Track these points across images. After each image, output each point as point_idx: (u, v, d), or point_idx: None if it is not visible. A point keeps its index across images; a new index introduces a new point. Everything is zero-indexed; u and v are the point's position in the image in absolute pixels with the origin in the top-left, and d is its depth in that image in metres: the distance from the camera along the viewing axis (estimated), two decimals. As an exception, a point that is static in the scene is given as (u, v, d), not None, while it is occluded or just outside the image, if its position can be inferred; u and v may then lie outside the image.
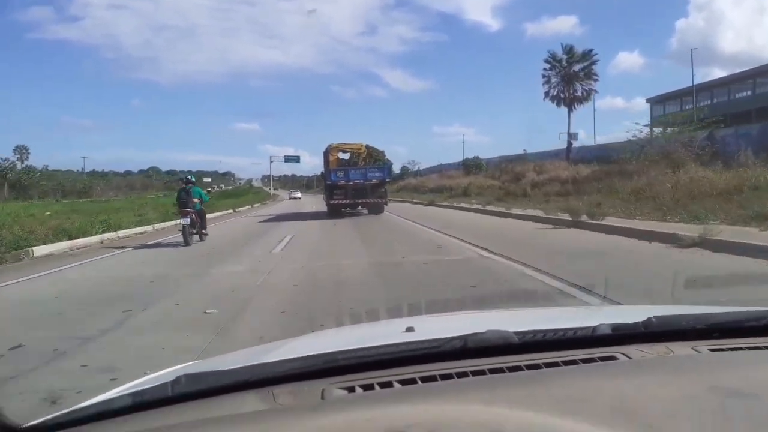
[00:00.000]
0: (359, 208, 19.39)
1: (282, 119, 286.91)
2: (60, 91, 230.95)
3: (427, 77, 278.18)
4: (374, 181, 18.46)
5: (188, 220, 10.42)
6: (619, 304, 3.73)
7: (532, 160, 33.19)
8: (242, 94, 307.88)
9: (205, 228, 11.37)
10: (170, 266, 7.87)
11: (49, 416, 0.80)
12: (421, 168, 54.64)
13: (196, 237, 10.91)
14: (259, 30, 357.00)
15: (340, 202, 18.51)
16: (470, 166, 43.86)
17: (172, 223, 14.61)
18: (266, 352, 1.18)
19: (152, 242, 11.78)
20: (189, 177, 11.64)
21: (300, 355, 1.01)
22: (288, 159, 67.16)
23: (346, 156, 20.49)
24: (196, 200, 10.84)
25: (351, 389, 0.88)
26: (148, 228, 15.22)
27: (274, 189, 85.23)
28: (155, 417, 0.81)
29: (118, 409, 0.84)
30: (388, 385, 0.89)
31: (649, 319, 1.08)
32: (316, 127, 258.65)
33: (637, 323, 1.08)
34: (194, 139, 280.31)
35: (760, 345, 1.06)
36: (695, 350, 1.04)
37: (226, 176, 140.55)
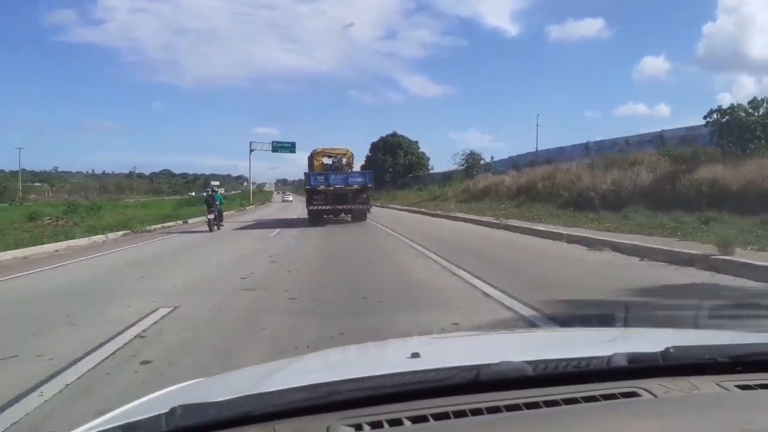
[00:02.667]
0: (341, 215, 18.86)
1: (300, 123, 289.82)
2: (81, 94, 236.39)
3: (445, 82, 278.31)
4: (356, 186, 17.78)
5: (213, 215, 16.67)
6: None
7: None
8: (261, 98, 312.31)
9: (222, 221, 17.68)
10: (208, 239, 14.41)
11: None
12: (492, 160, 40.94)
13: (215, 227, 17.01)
14: (281, 34, 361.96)
15: (319, 208, 17.79)
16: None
17: (200, 219, 20.70)
18: (268, 377, 1.13)
19: (192, 230, 17.66)
20: (214, 187, 20.67)
21: (303, 384, 0.96)
22: (277, 147, 54.77)
23: (331, 161, 20.36)
24: (219, 204, 17.48)
25: (358, 426, 0.83)
26: (179, 222, 22.04)
27: (284, 193, 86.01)
28: None
29: None
30: (397, 422, 0.84)
31: (667, 349, 1.04)
32: (333, 131, 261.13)
33: (654, 354, 1.04)
34: (211, 143, 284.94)
35: None
36: (722, 387, 0.99)
37: (239, 180, 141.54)
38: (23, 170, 76.89)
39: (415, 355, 1.12)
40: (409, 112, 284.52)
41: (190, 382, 1.36)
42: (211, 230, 16.28)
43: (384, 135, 61.12)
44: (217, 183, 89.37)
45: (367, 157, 58.02)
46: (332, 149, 20.50)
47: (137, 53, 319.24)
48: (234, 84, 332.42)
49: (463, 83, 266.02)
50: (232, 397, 0.90)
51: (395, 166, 57.87)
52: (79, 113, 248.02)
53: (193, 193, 71.09)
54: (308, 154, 20.70)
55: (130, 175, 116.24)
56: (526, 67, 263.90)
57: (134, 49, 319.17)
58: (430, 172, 56.40)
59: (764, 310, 4.66)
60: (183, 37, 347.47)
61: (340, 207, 18.04)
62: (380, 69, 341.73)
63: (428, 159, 60.89)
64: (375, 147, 60.55)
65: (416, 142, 60.66)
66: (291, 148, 57.66)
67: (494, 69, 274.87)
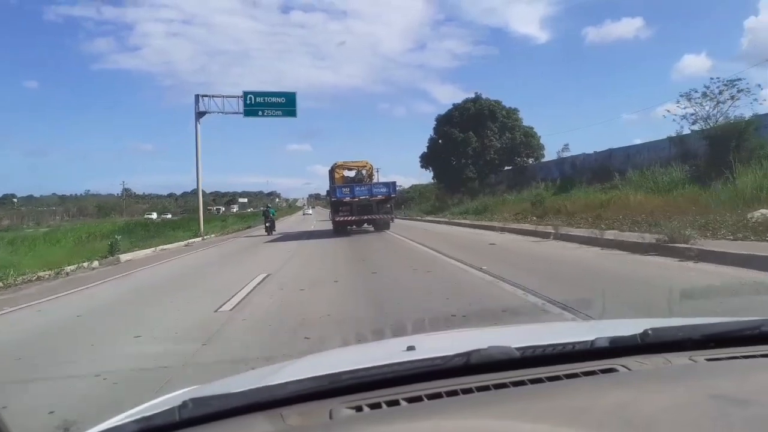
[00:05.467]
0: (365, 225, 19.32)
1: (332, 139, 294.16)
2: (121, 118, 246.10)
3: (475, 91, 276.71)
4: (380, 197, 18.32)
5: (269, 223, 22.99)
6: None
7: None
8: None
9: (274, 227, 23.35)
10: (265, 240, 18.95)
11: None
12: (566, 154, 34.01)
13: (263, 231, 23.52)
14: (311, 52, 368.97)
15: (345, 219, 18.32)
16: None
17: (257, 227, 28.80)
18: (271, 374, 1.18)
19: (252, 235, 24.13)
20: (269, 205, 29.24)
21: (305, 376, 1.02)
22: (257, 105, 21.32)
23: (352, 173, 20.90)
24: (272, 216, 24.11)
25: (358, 408, 0.89)
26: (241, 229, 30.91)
27: (311, 207, 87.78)
28: None
29: None
30: (394, 403, 0.90)
31: (646, 331, 1.10)
32: (366, 144, 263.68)
33: (634, 335, 1.10)
34: (246, 162, 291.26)
35: (755, 353, 1.08)
36: (692, 360, 1.06)
37: (271, 196, 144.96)
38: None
39: (411, 348, 1.20)
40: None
41: (202, 385, 1.46)
42: (268, 234, 21.99)
43: (459, 102, 37.83)
44: (246, 200, 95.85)
45: (430, 141, 38.75)
46: (352, 162, 21.05)
47: (173, 77, 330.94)
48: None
49: (494, 91, 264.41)
50: (239, 390, 0.97)
51: (484, 149, 34.89)
52: (117, 137, 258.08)
53: (154, 215, 71.10)
54: (329, 169, 21.26)
55: (120, 195, 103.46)
56: (559, 72, 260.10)
57: (170, 73, 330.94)
58: (543, 161, 34.66)
59: None
60: (216, 58, 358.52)
61: (365, 217, 18.63)
62: (410, 81, 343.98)
63: (539, 138, 36.28)
64: (444, 122, 37.17)
65: (515, 111, 36.40)
66: (286, 105, 26.01)
67: (526, 76, 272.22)
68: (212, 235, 24.59)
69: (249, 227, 32.49)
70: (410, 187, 54.85)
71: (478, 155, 35.38)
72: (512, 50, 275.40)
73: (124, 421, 0.94)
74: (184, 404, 0.88)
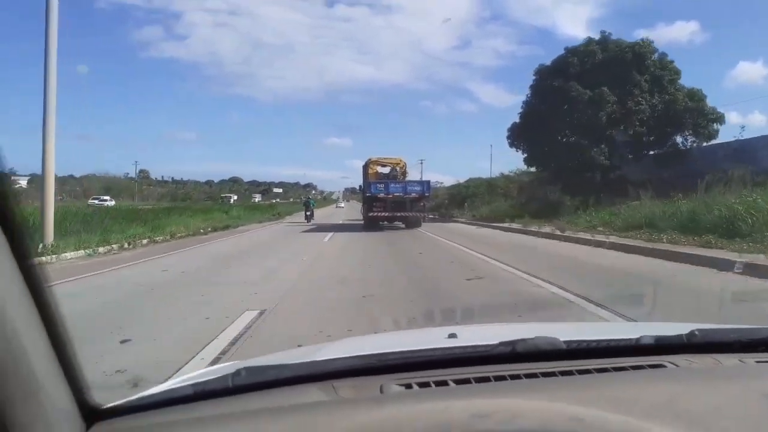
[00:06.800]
0: (396, 222, 19.48)
1: (372, 134, 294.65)
2: (166, 106, 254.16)
3: (517, 91, 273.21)
4: (414, 195, 18.67)
5: (309, 212, 26.60)
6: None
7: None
8: (334, 110, 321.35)
9: (313, 216, 26.59)
10: (305, 226, 21.86)
11: (124, 400, 0.86)
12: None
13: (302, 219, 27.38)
14: (355, 46, 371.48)
15: (378, 214, 18.63)
16: None
17: (298, 214, 33.30)
18: (317, 351, 1.21)
19: (293, 221, 27.57)
20: (309, 197, 37.93)
21: (354, 354, 1.06)
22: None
23: (386, 170, 21.33)
24: (312, 206, 27.99)
25: (408, 386, 0.90)
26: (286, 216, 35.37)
27: (346, 200, 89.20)
28: (216, 406, 0.84)
29: (182, 397, 0.88)
30: (443, 384, 0.91)
31: (692, 331, 1.10)
32: (405, 141, 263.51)
33: (680, 335, 1.10)
34: (283, 153, 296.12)
35: None
36: (742, 361, 1.06)
37: (307, 188, 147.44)
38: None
39: (452, 335, 1.21)
40: (480, 121, 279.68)
41: (254, 358, 1.50)
42: (308, 221, 25.42)
43: (574, 44, 22.38)
44: (281, 191, 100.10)
45: (525, 106, 23.71)
46: (385, 159, 21.44)
47: (217, 67, 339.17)
48: (307, 96, 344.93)
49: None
50: (291, 362, 1.02)
51: (626, 117, 19.88)
52: (161, 125, 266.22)
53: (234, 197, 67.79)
54: (363, 164, 21.79)
55: (133, 178, 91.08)
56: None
57: (214, 63, 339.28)
58: (713, 143, 19.90)
59: None
60: (260, 50, 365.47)
61: (398, 214, 18.74)
62: (453, 79, 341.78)
63: (705, 99, 20.27)
64: (550, 74, 22.26)
65: (671, 62, 21.07)
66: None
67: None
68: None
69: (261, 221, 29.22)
70: (467, 181, 39.31)
71: (613, 124, 20.08)
72: (558, 51, 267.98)
73: (180, 384, 0.97)
74: (237, 372, 0.91)
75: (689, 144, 20.66)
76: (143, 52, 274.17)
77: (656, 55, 21.21)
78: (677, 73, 20.96)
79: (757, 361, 1.06)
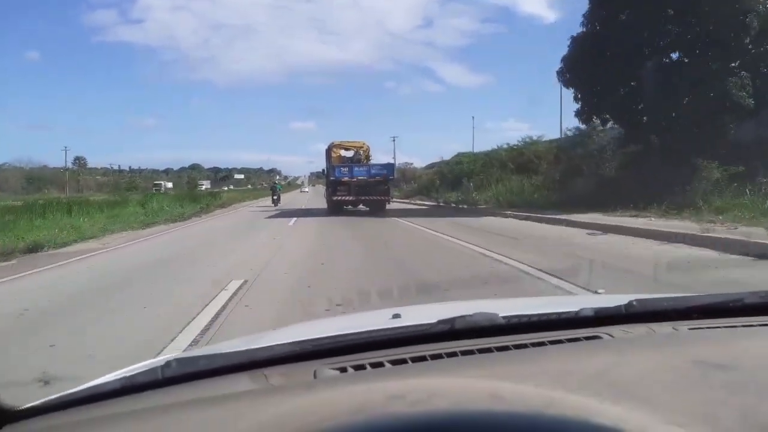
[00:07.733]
0: (360, 206, 19.45)
1: (337, 117, 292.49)
2: (121, 92, 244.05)
3: (482, 71, 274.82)
4: (378, 178, 18.50)
5: (276, 197, 27.26)
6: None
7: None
8: (298, 93, 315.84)
9: (280, 200, 27.49)
10: (273, 209, 23.44)
11: (42, 400, 0.82)
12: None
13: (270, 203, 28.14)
14: (317, 27, 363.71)
15: (342, 198, 18.50)
16: None
17: (264, 199, 35.04)
18: (256, 340, 1.18)
19: (261, 205, 29.15)
20: (275, 182, 32.46)
21: (289, 341, 1.04)
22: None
23: (349, 153, 21.10)
24: (278, 190, 28.60)
25: (343, 369, 0.90)
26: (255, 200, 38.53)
27: (311, 185, 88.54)
28: (146, 399, 0.82)
29: (109, 392, 0.85)
30: (379, 365, 0.91)
31: (630, 302, 1.13)
32: (371, 123, 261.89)
33: (618, 306, 1.13)
34: (247, 139, 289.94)
35: (737, 324, 1.11)
36: (675, 329, 1.09)
37: (271, 173, 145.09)
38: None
39: (396, 316, 1.21)
40: (445, 101, 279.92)
41: (189, 348, 1.43)
42: (275, 205, 26.54)
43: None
44: (242, 176, 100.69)
45: (585, 21, 14.51)
46: (348, 142, 21.27)
47: (175, 51, 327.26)
48: (269, 79, 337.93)
49: (500, 72, 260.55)
50: (223, 351, 1.00)
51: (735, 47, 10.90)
52: (118, 111, 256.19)
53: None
54: (325, 148, 21.57)
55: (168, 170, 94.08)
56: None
57: (172, 47, 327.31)
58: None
59: None
60: (220, 33, 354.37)
61: (363, 198, 18.64)
62: (417, 59, 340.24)
63: None
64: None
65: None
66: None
67: (532, 56, 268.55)
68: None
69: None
70: (456, 156, 35.33)
71: (765, 38, 12.20)
72: (522, 30, 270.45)
73: (109, 379, 0.94)
74: (168, 363, 0.90)
75: None
76: (97, 37, 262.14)
77: None
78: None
79: (690, 328, 1.08)
